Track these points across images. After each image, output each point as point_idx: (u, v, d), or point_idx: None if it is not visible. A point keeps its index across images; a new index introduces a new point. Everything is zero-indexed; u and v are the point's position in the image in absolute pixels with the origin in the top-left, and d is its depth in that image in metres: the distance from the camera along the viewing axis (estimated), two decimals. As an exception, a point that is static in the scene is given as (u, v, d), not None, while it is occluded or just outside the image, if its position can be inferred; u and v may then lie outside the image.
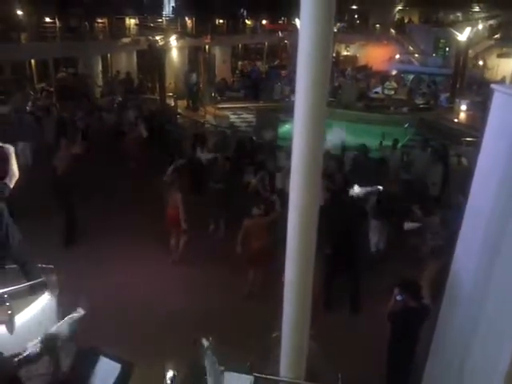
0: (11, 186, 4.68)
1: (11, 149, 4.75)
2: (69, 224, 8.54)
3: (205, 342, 3.58)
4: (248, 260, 6.99)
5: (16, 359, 3.21)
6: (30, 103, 15.96)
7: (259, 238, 6.78)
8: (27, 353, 3.28)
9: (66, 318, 3.71)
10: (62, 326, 3.66)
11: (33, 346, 3.33)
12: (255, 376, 3.47)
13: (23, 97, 16.32)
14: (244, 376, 3.47)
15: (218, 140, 12.18)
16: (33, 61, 19.40)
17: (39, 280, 5.15)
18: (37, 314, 5.05)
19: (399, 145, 11.87)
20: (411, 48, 30.06)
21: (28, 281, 5.03)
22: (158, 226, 8.13)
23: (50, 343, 3.32)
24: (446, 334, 4.12)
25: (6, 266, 4.98)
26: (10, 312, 4.66)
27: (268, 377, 3.55)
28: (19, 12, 17.67)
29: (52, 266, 5.48)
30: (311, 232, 3.10)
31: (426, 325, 4.69)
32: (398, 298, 4.76)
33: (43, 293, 5.19)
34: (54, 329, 3.76)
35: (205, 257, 7.85)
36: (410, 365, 4.86)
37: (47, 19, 18.36)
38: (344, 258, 6.77)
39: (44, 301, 5.20)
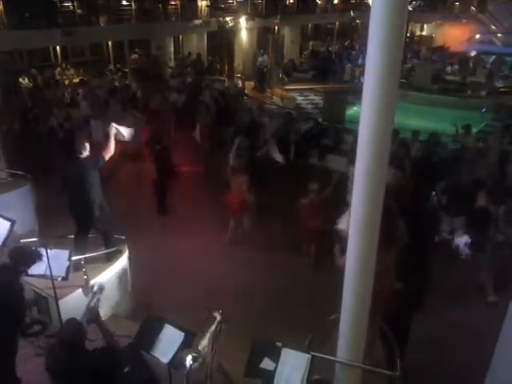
0: (106, 159, 5.22)
1: (112, 126, 5.34)
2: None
3: (217, 316, 3.64)
4: (306, 238, 7.32)
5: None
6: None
7: (315, 216, 6.88)
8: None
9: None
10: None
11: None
12: (312, 355, 3.51)
13: (100, 77, 17.22)
14: (301, 354, 3.52)
15: (283, 122, 12.13)
16: (109, 43, 20.28)
17: (116, 248, 5.65)
18: (112, 279, 5.48)
19: (474, 130, 11.19)
20: (494, 27, 27.89)
21: (107, 248, 5.56)
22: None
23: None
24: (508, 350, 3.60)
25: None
26: (85, 277, 5.09)
27: (326, 357, 3.58)
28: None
29: (124, 237, 5.87)
30: (375, 217, 3.06)
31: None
32: None
33: (117, 260, 5.67)
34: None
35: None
36: None
37: (124, 2, 19.04)
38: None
39: (118, 267, 5.64)
